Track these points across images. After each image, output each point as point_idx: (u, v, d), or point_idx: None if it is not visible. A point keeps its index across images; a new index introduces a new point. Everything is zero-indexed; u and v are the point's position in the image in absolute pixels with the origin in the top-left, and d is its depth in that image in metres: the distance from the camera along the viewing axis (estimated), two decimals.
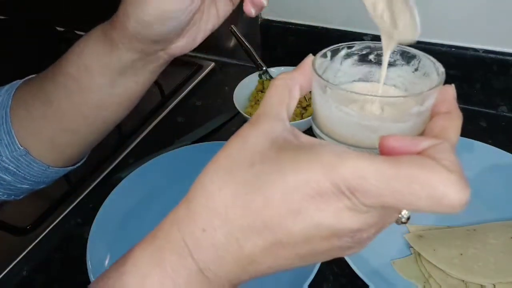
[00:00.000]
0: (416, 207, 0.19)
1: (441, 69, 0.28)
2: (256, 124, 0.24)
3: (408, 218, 0.24)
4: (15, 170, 0.42)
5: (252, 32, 0.78)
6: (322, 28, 0.75)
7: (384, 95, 0.29)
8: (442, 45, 0.67)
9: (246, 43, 0.72)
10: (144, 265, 0.24)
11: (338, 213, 0.20)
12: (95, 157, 0.65)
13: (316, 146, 0.21)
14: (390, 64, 0.31)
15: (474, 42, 0.66)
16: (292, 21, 0.77)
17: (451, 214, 0.19)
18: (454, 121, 0.24)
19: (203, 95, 0.79)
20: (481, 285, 0.44)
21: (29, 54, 0.88)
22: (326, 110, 0.27)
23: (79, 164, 0.47)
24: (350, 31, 0.73)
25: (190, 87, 0.79)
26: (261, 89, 0.71)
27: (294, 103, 0.26)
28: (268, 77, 0.72)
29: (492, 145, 0.59)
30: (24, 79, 0.44)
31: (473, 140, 0.60)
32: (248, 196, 0.21)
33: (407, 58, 0.31)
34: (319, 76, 0.26)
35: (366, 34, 0.71)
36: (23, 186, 0.45)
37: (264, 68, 0.72)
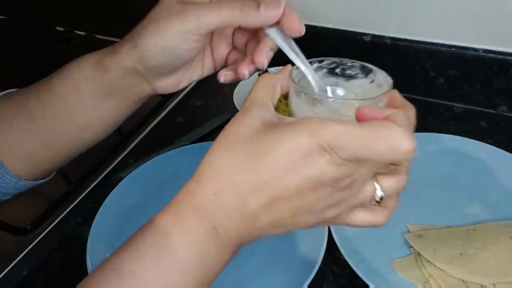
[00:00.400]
0: (381, 156, 0.25)
1: (390, 80, 0.36)
2: (248, 111, 0.29)
3: (381, 198, 0.31)
4: None
5: None
6: (322, 28, 0.75)
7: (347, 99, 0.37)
8: (442, 45, 0.67)
9: None
10: (164, 226, 0.30)
11: (322, 166, 0.26)
12: (95, 157, 0.65)
13: (300, 120, 0.27)
14: (353, 77, 0.38)
15: (474, 42, 0.66)
16: None
17: (405, 159, 0.26)
18: (408, 106, 0.33)
19: (203, 95, 0.79)
20: (481, 285, 0.45)
21: (29, 54, 0.88)
22: (300, 110, 0.34)
23: (49, 178, 0.47)
24: (349, 30, 0.73)
25: (190, 87, 0.79)
26: None
27: (276, 97, 0.32)
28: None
29: (492, 145, 0.59)
30: (3, 92, 0.44)
31: (473, 140, 0.60)
32: (250, 163, 0.27)
33: (366, 72, 0.38)
34: (295, 83, 0.34)
35: (366, 34, 0.71)
36: None
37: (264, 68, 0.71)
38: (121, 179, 0.60)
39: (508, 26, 0.63)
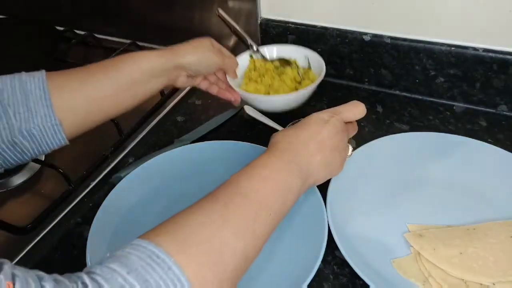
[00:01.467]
0: (349, 111, 0.52)
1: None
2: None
3: (353, 150, 0.56)
4: (38, 137, 0.48)
5: (251, 32, 0.78)
6: (322, 27, 0.75)
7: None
8: (442, 44, 0.67)
9: (234, 24, 0.72)
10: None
11: (327, 115, 0.50)
12: (95, 157, 0.65)
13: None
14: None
15: (474, 41, 0.66)
16: (292, 20, 0.77)
17: (361, 114, 0.52)
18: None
19: (203, 95, 0.79)
20: (481, 284, 0.45)
21: (28, 53, 0.88)
22: None
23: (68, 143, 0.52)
24: (349, 30, 0.73)
25: (190, 87, 0.79)
26: (253, 68, 0.72)
27: None
28: (260, 56, 0.73)
29: (492, 144, 0.59)
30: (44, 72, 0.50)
31: (473, 139, 0.60)
32: (298, 131, 0.49)
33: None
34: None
35: (366, 33, 0.71)
36: (28, 153, 0.49)
37: (255, 48, 0.72)
38: (121, 178, 0.60)
39: (508, 26, 0.63)
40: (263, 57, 0.73)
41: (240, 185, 0.41)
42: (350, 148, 0.54)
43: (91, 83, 0.51)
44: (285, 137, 0.47)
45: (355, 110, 0.51)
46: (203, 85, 0.65)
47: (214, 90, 0.66)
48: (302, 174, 0.45)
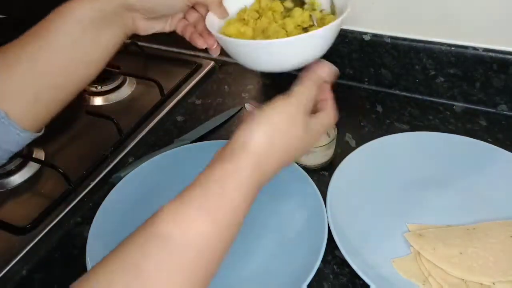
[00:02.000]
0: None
1: None
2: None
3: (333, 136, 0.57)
4: None
5: None
6: None
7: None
8: (442, 44, 0.67)
9: None
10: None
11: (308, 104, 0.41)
12: (95, 157, 0.65)
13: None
14: None
15: (474, 41, 0.66)
16: None
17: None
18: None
19: (203, 94, 0.79)
20: (481, 284, 0.45)
21: None
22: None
23: (41, 132, 0.47)
24: (349, 29, 0.73)
25: (190, 86, 0.79)
26: (257, 9, 0.52)
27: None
28: None
29: (492, 144, 0.59)
30: None
31: (473, 139, 0.60)
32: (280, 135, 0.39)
33: None
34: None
35: (365, 33, 0.71)
36: None
37: None
38: (120, 178, 0.60)
39: (508, 25, 0.63)
40: None
41: (166, 222, 0.34)
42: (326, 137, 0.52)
43: (25, 59, 0.43)
44: (263, 138, 0.37)
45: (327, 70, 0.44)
46: (179, 28, 0.50)
47: (187, 34, 0.50)
48: (260, 188, 0.38)
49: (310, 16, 0.49)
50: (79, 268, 0.50)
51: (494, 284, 0.44)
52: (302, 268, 0.47)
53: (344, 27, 0.73)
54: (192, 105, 0.77)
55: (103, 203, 0.56)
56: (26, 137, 0.44)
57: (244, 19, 0.49)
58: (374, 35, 0.71)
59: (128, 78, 0.82)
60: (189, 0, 0.46)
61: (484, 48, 0.65)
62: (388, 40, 0.70)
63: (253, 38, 0.47)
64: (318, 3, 0.52)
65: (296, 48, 0.42)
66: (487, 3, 0.62)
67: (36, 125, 0.45)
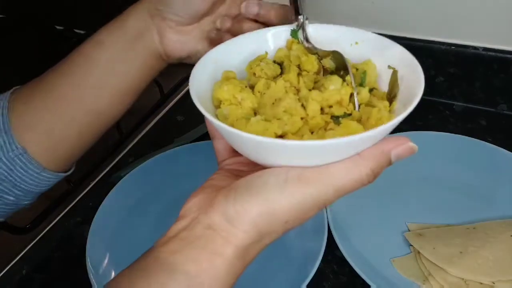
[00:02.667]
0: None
1: None
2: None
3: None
4: (6, 174, 0.40)
5: None
6: None
7: None
8: (442, 43, 0.67)
9: None
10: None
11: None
12: (95, 156, 0.65)
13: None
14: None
15: (474, 40, 0.66)
16: None
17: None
18: None
19: None
20: (481, 283, 0.45)
21: (28, 52, 0.88)
22: None
23: (70, 171, 0.46)
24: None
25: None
26: (282, 59, 0.37)
27: None
28: (303, 37, 0.37)
29: (492, 143, 0.59)
30: (12, 90, 0.43)
31: (472, 138, 0.60)
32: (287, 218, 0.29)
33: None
34: None
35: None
36: (9, 197, 0.42)
37: (301, 20, 0.37)
38: (120, 178, 0.60)
39: (508, 24, 0.63)
40: (306, 41, 0.37)
41: None
42: None
43: (52, 93, 0.41)
44: (253, 232, 0.28)
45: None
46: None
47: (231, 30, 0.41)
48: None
49: (351, 96, 0.32)
50: (79, 268, 0.50)
51: (494, 283, 0.44)
52: (302, 267, 0.47)
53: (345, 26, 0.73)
54: (192, 105, 0.76)
55: (103, 203, 0.56)
56: (49, 178, 0.42)
57: (254, 74, 0.35)
58: (377, 33, 0.71)
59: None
60: None
61: (484, 48, 0.65)
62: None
63: (254, 111, 0.33)
64: (373, 76, 0.35)
65: (322, 152, 0.28)
66: (487, 2, 0.62)
67: (56, 164, 0.43)
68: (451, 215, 0.52)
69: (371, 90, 0.34)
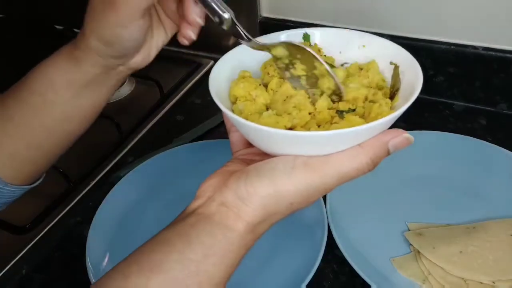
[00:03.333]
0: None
1: None
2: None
3: None
4: None
5: (251, 30, 0.78)
6: (321, 26, 0.74)
7: None
8: (442, 43, 0.67)
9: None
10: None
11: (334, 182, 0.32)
12: (94, 156, 0.65)
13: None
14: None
15: (473, 40, 0.66)
16: (291, 18, 0.77)
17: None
18: None
19: (202, 93, 0.79)
20: (481, 283, 0.45)
21: (27, 52, 0.88)
22: None
23: (37, 183, 0.46)
24: (349, 29, 0.72)
25: (189, 85, 0.79)
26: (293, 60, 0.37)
27: None
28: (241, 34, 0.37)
29: (492, 143, 0.59)
30: None
31: (472, 138, 0.60)
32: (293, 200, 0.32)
33: None
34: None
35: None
36: None
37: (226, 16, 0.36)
38: (120, 177, 0.60)
39: (507, 24, 0.63)
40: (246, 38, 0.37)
41: None
42: None
43: (12, 121, 0.40)
44: (261, 211, 0.31)
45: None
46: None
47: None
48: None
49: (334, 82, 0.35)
50: (79, 268, 0.50)
51: (494, 283, 0.44)
52: (302, 267, 0.47)
53: (344, 26, 0.72)
54: (192, 105, 0.77)
55: (103, 202, 0.56)
56: (14, 191, 0.43)
57: (268, 74, 0.38)
58: (375, 34, 0.71)
59: (127, 77, 0.82)
60: (135, 16, 0.35)
61: (483, 47, 0.65)
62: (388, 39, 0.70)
63: (267, 106, 0.36)
64: (376, 75, 0.37)
65: (331, 142, 0.30)
66: (486, 2, 0.62)
67: (23, 181, 0.43)
68: (451, 214, 0.52)
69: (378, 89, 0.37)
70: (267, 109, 0.36)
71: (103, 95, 0.42)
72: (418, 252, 0.48)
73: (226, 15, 0.35)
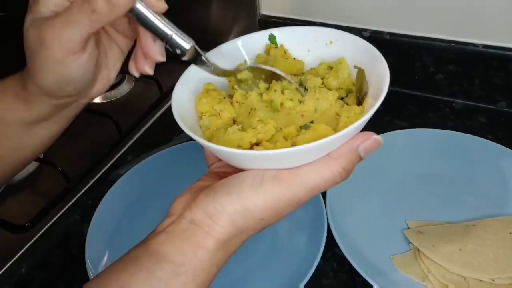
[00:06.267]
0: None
1: None
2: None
3: None
4: None
5: (250, 28, 0.78)
6: (320, 23, 0.74)
7: None
8: (442, 40, 0.67)
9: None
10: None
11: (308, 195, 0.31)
12: (94, 155, 0.65)
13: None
14: None
15: (473, 37, 0.66)
16: (290, 16, 0.76)
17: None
18: None
19: None
20: (480, 280, 0.45)
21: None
22: None
23: None
24: (348, 26, 0.72)
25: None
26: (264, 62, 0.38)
27: None
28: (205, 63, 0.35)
29: (492, 141, 0.59)
30: None
31: (472, 136, 0.60)
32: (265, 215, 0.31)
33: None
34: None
35: (365, 30, 0.71)
36: None
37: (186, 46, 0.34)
38: (119, 176, 0.60)
39: (507, 22, 0.63)
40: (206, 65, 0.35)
41: None
42: None
43: None
44: (229, 227, 0.30)
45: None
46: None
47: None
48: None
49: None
50: (78, 266, 0.50)
51: (493, 280, 0.44)
52: (302, 265, 0.47)
53: (343, 24, 0.73)
54: None
55: (102, 201, 0.56)
56: None
57: (233, 87, 0.37)
58: (374, 31, 0.71)
59: (126, 75, 0.82)
60: (72, 54, 0.31)
61: (483, 45, 0.65)
62: (388, 37, 0.70)
63: (234, 120, 0.36)
64: (346, 73, 0.37)
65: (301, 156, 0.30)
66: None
67: None
68: (451, 212, 0.52)
69: (348, 93, 0.36)
70: (234, 122, 0.35)
71: (61, 125, 0.40)
72: (418, 250, 0.48)
73: (187, 46, 0.33)
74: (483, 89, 0.68)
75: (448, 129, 0.62)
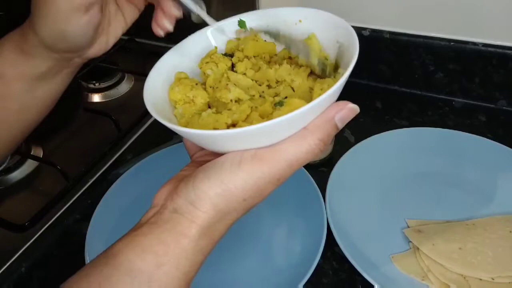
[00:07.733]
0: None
1: None
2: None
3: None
4: None
5: None
6: None
7: None
8: (442, 39, 0.67)
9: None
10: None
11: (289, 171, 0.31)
12: (94, 154, 0.65)
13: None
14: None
15: (473, 36, 0.66)
16: None
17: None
18: None
19: None
20: (480, 279, 0.45)
21: None
22: None
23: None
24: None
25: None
26: (234, 50, 0.39)
27: None
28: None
29: (492, 139, 0.59)
30: None
31: (472, 134, 0.60)
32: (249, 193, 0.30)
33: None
34: None
35: (365, 28, 0.71)
36: None
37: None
38: (119, 175, 0.60)
39: (507, 20, 0.62)
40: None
41: None
42: None
43: None
44: (212, 212, 0.30)
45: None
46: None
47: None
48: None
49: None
50: (78, 265, 0.50)
51: (493, 279, 0.44)
52: (302, 264, 0.47)
53: None
54: None
55: (102, 200, 0.56)
56: None
57: (204, 74, 0.38)
58: (373, 30, 0.71)
59: (126, 75, 0.82)
60: (80, 8, 0.33)
61: (483, 43, 0.65)
62: (387, 36, 0.70)
63: (209, 105, 0.36)
64: (317, 49, 0.38)
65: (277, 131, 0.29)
66: None
67: None
68: (450, 211, 0.52)
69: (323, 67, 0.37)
70: (209, 107, 0.36)
71: (60, 84, 0.41)
72: (418, 249, 0.48)
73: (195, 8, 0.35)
74: (483, 88, 0.68)
75: (448, 128, 0.62)
